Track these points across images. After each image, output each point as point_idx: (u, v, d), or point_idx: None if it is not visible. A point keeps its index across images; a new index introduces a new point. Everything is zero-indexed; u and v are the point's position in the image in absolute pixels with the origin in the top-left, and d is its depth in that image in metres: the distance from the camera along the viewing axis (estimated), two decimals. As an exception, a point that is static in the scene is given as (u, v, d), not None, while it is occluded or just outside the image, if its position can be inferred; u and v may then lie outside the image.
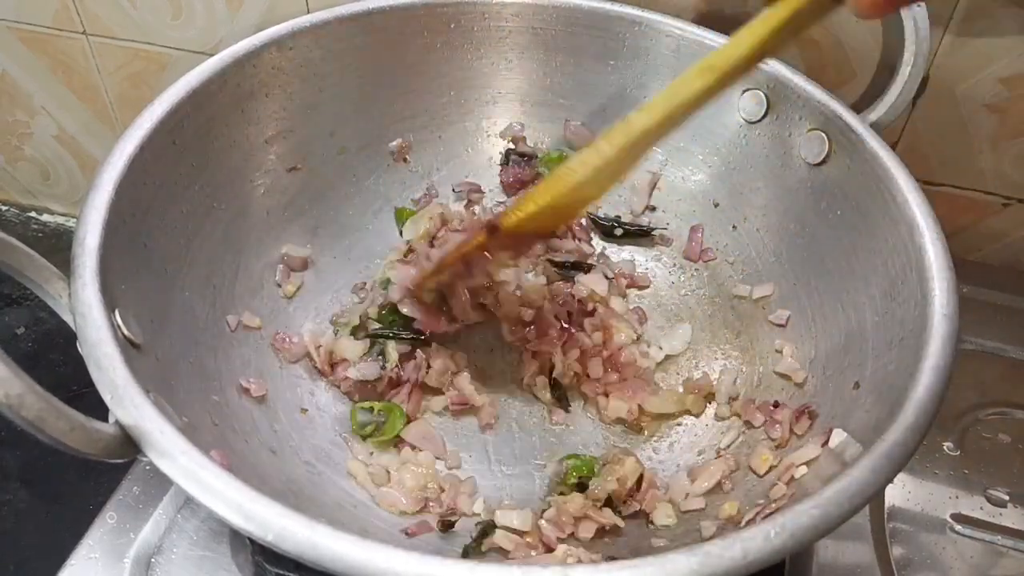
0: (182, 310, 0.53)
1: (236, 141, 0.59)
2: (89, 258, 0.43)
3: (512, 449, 0.59)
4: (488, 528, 0.51)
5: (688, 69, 0.44)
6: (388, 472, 0.55)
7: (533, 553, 0.50)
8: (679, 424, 0.60)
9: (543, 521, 0.52)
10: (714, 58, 0.43)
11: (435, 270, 0.58)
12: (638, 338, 0.64)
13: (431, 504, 0.53)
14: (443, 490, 0.54)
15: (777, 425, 0.55)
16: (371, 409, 0.58)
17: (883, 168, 0.54)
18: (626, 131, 0.46)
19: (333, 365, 0.61)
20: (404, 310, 0.59)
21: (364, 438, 0.57)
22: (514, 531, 0.51)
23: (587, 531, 0.52)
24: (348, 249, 0.68)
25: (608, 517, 0.52)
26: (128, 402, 0.38)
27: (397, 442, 0.58)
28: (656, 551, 0.41)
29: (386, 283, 0.62)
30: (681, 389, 0.62)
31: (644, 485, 0.54)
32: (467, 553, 0.50)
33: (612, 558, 0.48)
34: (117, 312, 0.43)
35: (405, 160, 0.71)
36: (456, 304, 0.60)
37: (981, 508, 0.59)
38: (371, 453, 0.57)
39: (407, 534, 0.51)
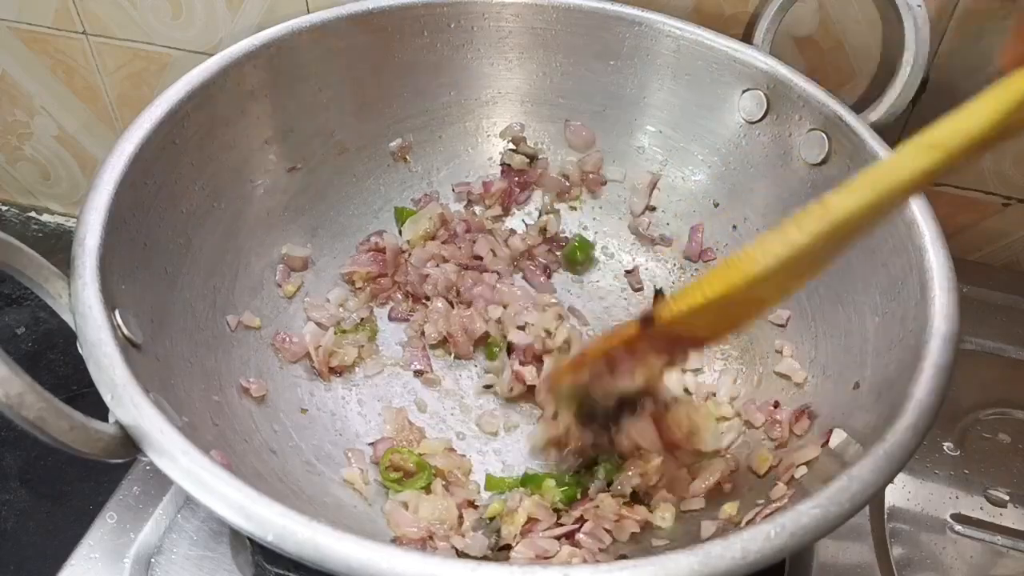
0: (182, 310, 0.53)
1: (236, 141, 0.59)
2: (89, 258, 0.43)
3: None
4: (505, 547, 0.51)
5: (904, 145, 0.35)
6: (406, 504, 0.53)
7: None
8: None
9: (582, 535, 0.50)
10: (940, 133, 0.34)
11: (574, 364, 0.52)
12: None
13: (436, 539, 0.51)
14: (454, 530, 0.52)
15: (777, 425, 0.55)
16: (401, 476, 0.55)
17: (883, 168, 0.54)
18: (822, 215, 0.37)
19: (332, 367, 0.61)
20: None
21: (391, 482, 0.55)
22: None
23: (624, 533, 0.51)
24: (348, 249, 0.68)
25: (642, 513, 0.51)
26: (128, 402, 0.38)
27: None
28: (656, 551, 0.41)
29: None
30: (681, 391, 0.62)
31: (660, 484, 0.54)
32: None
33: (623, 556, 0.48)
34: (117, 312, 0.43)
35: (405, 160, 0.71)
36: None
37: (981, 508, 0.59)
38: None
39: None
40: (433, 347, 0.64)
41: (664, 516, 0.53)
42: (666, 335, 0.45)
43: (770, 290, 0.41)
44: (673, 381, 0.61)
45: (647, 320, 0.44)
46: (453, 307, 0.65)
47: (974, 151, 0.34)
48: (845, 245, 0.38)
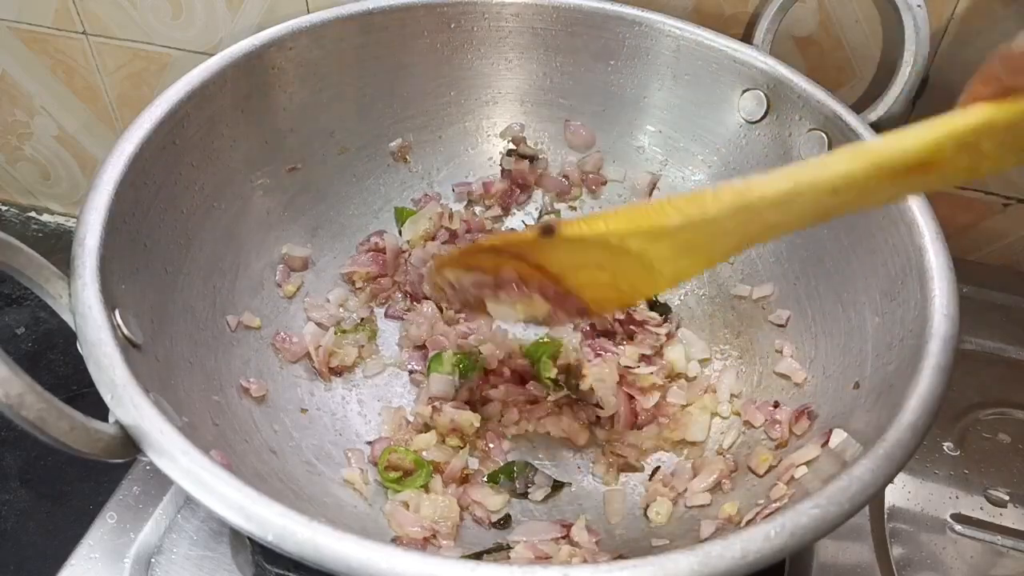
0: (182, 310, 0.53)
1: (236, 141, 0.59)
2: (89, 258, 0.43)
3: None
4: (503, 545, 0.51)
5: (834, 151, 0.35)
6: (407, 503, 0.53)
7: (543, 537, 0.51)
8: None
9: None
10: (871, 144, 0.33)
11: (462, 256, 0.50)
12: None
13: (439, 536, 0.51)
14: (457, 529, 0.53)
15: (777, 425, 0.55)
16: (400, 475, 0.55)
17: (883, 168, 0.54)
18: (739, 192, 0.36)
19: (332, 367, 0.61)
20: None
21: (390, 482, 0.55)
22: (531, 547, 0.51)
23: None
24: (348, 249, 0.68)
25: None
26: (128, 402, 0.38)
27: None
28: (656, 551, 0.41)
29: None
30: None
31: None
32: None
33: (621, 556, 0.48)
34: (117, 312, 0.43)
35: (405, 160, 0.71)
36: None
37: (981, 508, 0.59)
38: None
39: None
40: (420, 348, 0.64)
41: (659, 512, 0.53)
42: (556, 277, 0.45)
43: (665, 253, 0.40)
44: (681, 362, 0.62)
45: (548, 229, 0.43)
46: (442, 312, 0.65)
47: (899, 173, 0.33)
48: (754, 233, 0.38)
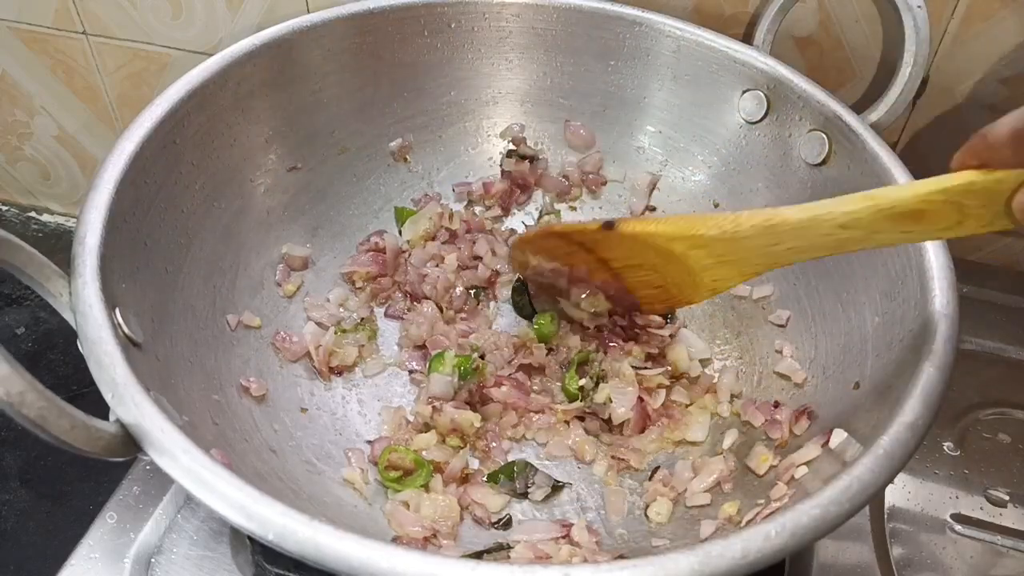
0: (182, 309, 0.53)
1: (236, 141, 0.59)
2: (90, 257, 0.43)
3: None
4: (503, 545, 0.51)
5: (848, 195, 0.42)
6: (407, 503, 0.53)
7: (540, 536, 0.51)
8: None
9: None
10: (877, 191, 0.41)
11: (538, 241, 0.60)
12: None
13: (440, 536, 0.51)
14: (457, 529, 0.53)
15: (777, 425, 0.55)
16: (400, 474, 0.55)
17: (883, 168, 0.54)
18: (767, 215, 0.44)
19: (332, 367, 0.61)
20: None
21: (391, 481, 0.55)
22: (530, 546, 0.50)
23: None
24: (348, 249, 0.68)
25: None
26: (129, 400, 0.38)
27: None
28: (656, 551, 0.42)
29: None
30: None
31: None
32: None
33: (622, 556, 0.48)
34: (117, 311, 0.43)
35: (405, 160, 0.71)
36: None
37: (981, 508, 0.59)
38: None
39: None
40: (420, 348, 0.64)
41: (659, 512, 0.53)
42: (616, 274, 0.55)
43: (705, 261, 0.49)
44: (684, 362, 0.62)
45: (609, 224, 0.52)
46: (442, 311, 0.65)
47: (897, 217, 0.40)
48: (778, 252, 0.46)
